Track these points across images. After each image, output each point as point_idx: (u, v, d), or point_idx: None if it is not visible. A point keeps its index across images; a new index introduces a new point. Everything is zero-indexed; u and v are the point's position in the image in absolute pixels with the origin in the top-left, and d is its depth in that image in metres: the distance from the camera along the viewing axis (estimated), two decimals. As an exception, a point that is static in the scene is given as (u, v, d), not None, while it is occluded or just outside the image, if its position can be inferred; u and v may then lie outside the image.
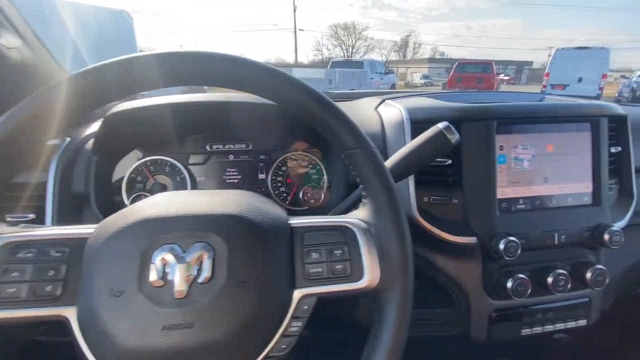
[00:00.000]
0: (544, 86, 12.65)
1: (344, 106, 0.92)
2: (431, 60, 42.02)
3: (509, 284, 0.66)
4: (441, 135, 0.52)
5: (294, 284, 0.41)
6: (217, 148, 0.80)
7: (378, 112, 0.79)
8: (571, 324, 0.74)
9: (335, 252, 0.42)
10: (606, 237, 0.68)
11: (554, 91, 12.34)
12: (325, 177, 0.82)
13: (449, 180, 0.70)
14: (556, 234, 0.68)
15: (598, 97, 12.03)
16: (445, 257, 0.72)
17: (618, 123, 0.78)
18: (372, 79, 12.57)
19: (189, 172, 0.79)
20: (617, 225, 0.73)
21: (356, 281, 0.41)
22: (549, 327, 0.73)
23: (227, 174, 0.81)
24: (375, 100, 0.86)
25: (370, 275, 0.41)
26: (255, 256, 0.38)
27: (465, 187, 0.69)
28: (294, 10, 32.08)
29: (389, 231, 0.42)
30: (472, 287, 0.70)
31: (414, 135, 0.68)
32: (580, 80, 11.89)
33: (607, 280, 0.69)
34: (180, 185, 0.78)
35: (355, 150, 0.44)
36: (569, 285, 0.68)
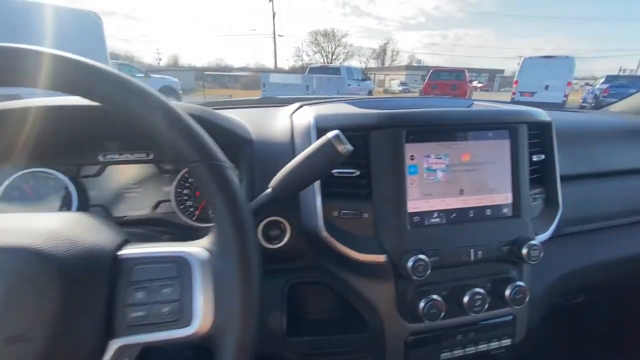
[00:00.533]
0: (513, 93, 13.15)
1: (266, 112, 0.86)
2: (408, 67, 43.02)
3: (421, 306, 0.60)
4: (330, 145, 0.46)
5: (110, 332, 0.33)
6: (111, 158, 0.71)
7: (291, 119, 0.72)
8: (494, 344, 0.69)
9: (164, 290, 0.34)
10: (524, 251, 0.63)
11: (523, 98, 12.86)
12: None
13: (359, 193, 0.64)
14: (472, 250, 0.63)
15: (563, 104, 12.62)
16: (358, 277, 0.66)
17: (542, 130, 0.75)
18: (349, 85, 12.67)
19: (79, 186, 0.69)
20: (540, 238, 0.70)
21: (184, 327, 0.34)
22: (470, 349, 0.68)
23: (125, 187, 0.72)
24: (295, 106, 0.79)
25: (201, 319, 0.34)
26: (42, 301, 0.30)
27: (375, 201, 0.63)
28: (273, 16, 32.13)
29: (231, 262, 0.35)
30: (386, 310, 0.64)
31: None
32: (546, 87, 12.43)
33: (527, 298, 0.65)
34: (68, 201, 0.68)
35: (197, 164, 0.36)
36: (486, 305, 0.63)
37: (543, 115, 0.73)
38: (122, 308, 0.33)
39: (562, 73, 12.34)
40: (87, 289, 0.32)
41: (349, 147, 0.46)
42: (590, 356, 1.48)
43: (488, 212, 0.67)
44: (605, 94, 12.81)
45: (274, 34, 33.08)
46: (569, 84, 12.40)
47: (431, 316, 0.60)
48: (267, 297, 0.65)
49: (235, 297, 0.34)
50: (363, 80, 13.99)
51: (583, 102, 16.18)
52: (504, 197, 0.67)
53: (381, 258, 0.61)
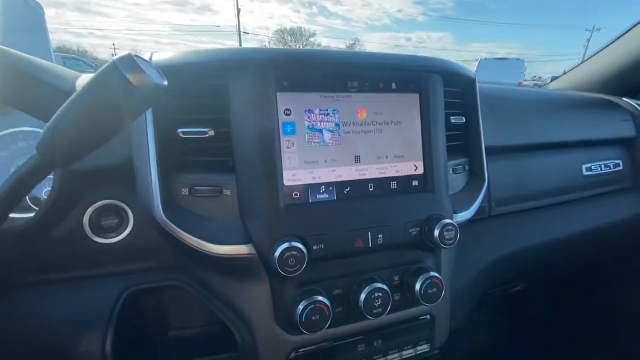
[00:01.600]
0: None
1: None
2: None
3: (298, 312, 0.44)
4: (116, 73, 0.28)
5: None
6: None
7: None
8: (409, 353, 0.55)
9: None
10: (436, 233, 0.49)
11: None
12: None
13: (217, 161, 0.47)
14: (369, 233, 0.48)
15: (515, 103, 13.39)
16: (223, 278, 0.49)
17: (465, 87, 0.62)
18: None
19: None
20: (462, 216, 0.57)
21: None
22: (377, 362, 0.53)
23: None
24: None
25: None
26: None
27: (239, 171, 0.46)
28: (238, 13, 31.28)
29: None
30: (260, 320, 0.48)
31: None
32: (500, 87, 13.12)
33: (442, 292, 0.51)
34: None
35: None
36: (389, 305, 0.48)
37: (463, 68, 0.60)
38: None
39: (514, 74, 13.11)
40: None
41: (151, 78, 0.29)
42: (533, 346, 1.42)
43: (392, 185, 0.52)
44: (552, 94, 13.79)
45: (239, 31, 32.14)
46: (520, 84, 13.17)
47: (312, 325, 0.44)
48: (86, 310, 0.46)
49: None
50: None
51: (533, 101, 17.33)
52: (413, 167, 0.53)
53: (244, 250, 0.44)
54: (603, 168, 0.93)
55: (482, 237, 0.70)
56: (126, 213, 0.49)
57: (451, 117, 0.59)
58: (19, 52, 0.47)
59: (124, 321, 0.47)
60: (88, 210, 0.48)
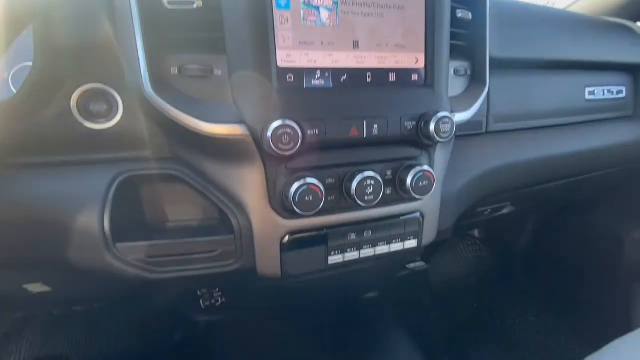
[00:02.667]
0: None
1: None
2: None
3: (292, 192, 0.45)
4: None
5: None
6: None
7: None
8: (397, 247, 0.58)
9: None
10: (432, 126, 0.49)
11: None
12: None
13: (208, 38, 0.44)
14: (365, 122, 0.47)
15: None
16: (216, 162, 0.49)
17: None
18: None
19: None
20: (460, 117, 0.56)
21: None
22: (367, 251, 0.56)
23: None
24: None
25: None
26: None
27: (230, 50, 0.44)
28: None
29: None
30: (254, 203, 0.49)
31: None
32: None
33: (434, 186, 0.52)
34: None
35: None
36: (381, 194, 0.49)
37: None
38: None
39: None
40: None
41: None
42: (519, 282, 1.52)
43: (391, 77, 0.50)
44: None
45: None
46: None
47: (305, 206, 0.45)
48: (80, 190, 0.46)
49: None
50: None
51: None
52: (414, 59, 0.51)
53: (237, 130, 0.44)
54: (606, 93, 0.91)
55: (477, 149, 0.70)
56: (115, 99, 0.48)
57: (457, 10, 0.55)
58: None
59: (121, 208, 0.48)
60: (74, 94, 0.46)
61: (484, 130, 0.72)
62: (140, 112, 0.48)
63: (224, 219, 0.51)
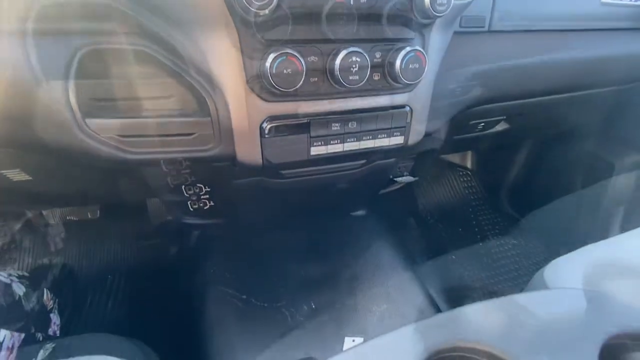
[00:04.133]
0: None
1: None
2: None
3: (268, 64, 0.41)
4: None
5: None
6: None
7: None
8: (383, 142, 0.56)
9: None
10: (426, 1, 0.44)
11: None
12: None
13: None
14: None
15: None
16: (185, 31, 0.44)
17: None
18: None
19: None
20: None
21: None
22: (351, 145, 0.54)
23: None
24: None
25: None
26: None
27: None
28: None
29: None
30: (229, 82, 0.45)
31: None
32: None
33: (425, 69, 0.48)
34: None
35: None
36: (367, 75, 0.46)
37: None
38: None
39: None
40: None
41: None
42: (504, 211, 1.56)
43: None
44: None
45: None
46: None
47: (283, 80, 0.42)
48: (42, 65, 0.42)
49: None
50: None
51: None
52: None
53: None
54: None
55: (476, 47, 0.65)
56: None
57: None
58: None
59: (89, 82, 0.44)
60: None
61: (486, 27, 0.66)
62: None
63: (200, 101, 0.48)
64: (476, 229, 1.51)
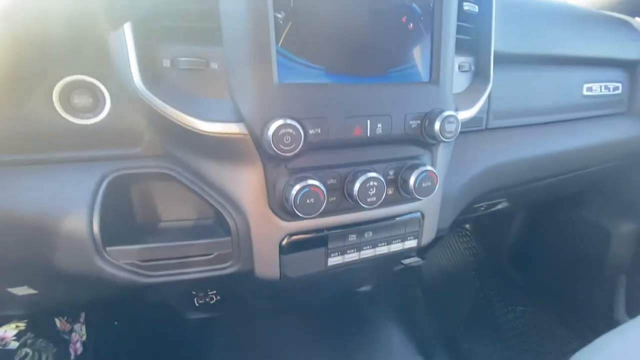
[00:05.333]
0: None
1: None
2: None
3: (293, 195, 0.43)
4: None
5: None
6: None
7: None
8: (397, 247, 0.57)
9: None
10: (437, 125, 0.47)
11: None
12: None
13: (202, 29, 0.41)
14: (369, 121, 0.45)
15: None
16: (211, 160, 0.46)
17: None
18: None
19: None
20: (463, 115, 0.54)
21: None
22: (367, 252, 0.55)
23: None
24: None
25: None
26: None
27: (227, 41, 0.41)
28: None
29: None
30: (252, 204, 0.47)
31: None
32: None
33: (437, 186, 0.51)
34: None
35: None
36: (383, 195, 0.48)
37: None
38: None
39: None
40: None
41: None
42: (506, 273, 1.55)
43: (395, 73, 0.48)
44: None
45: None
46: None
47: (306, 209, 0.43)
48: (66, 193, 0.43)
49: None
50: None
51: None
52: (418, 54, 0.49)
53: (235, 129, 0.41)
54: (603, 90, 0.91)
55: (477, 146, 0.69)
56: (101, 92, 0.44)
57: (464, 3, 0.53)
58: None
59: (111, 208, 0.45)
60: (56, 86, 0.43)
61: (483, 126, 0.71)
62: (130, 107, 0.44)
63: (220, 219, 0.49)
64: (481, 294, 1.48)
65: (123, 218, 0.48)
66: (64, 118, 0.43)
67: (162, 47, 0.40)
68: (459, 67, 0.57)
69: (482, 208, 0.91)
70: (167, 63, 0.41)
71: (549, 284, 1.42)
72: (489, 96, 0.71)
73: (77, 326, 0.93)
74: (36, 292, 0.56)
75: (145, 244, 0.46)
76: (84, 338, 0.93)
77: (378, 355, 0.88)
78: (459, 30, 0.53)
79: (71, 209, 0.43)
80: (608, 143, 0.94)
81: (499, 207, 0.97)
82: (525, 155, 0.76)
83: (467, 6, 0.54)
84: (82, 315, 0.93)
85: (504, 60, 0.70)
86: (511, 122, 0.76)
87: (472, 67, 0.59)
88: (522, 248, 1.52)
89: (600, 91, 0.91)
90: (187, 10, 0.40)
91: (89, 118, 0.44)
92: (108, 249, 0.44)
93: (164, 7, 0.39)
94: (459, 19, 0.52)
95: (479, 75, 0.60)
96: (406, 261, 0.88)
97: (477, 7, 0.55)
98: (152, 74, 0.40)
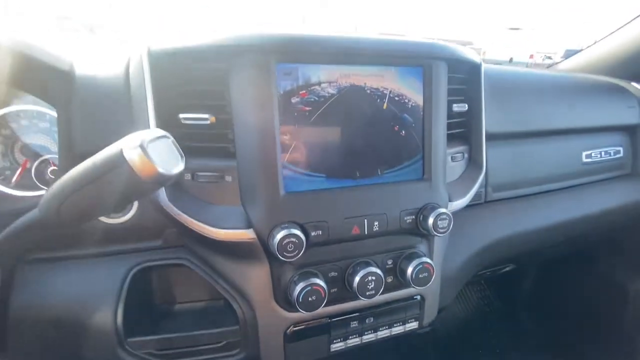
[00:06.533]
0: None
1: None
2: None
3: (296, 294, 0.47)
4: (124, 164, 0.30)
5: None
6: None
7: (130, 50, 0.52)
8: (398, 330, 0.59)
9: None
10: (430, 221, 0.51)
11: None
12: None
13: (219, 147, 0.47)
14: (365, 221, 0.50)
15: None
16: (225, 258, 0.51)
17: (470, 73, 0.61)
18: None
19: None
20: (456, 205, 0.58)
21: None
22: (369, 337, 0.57)
23: None
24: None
25: None
26: None
27: (240, 158, 0.47)
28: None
29: None
30: (258, 297, 0.51)
31: (158, 80, 0.44)
32: (510, 60, 12.69)
33: (433, 277, 0.54)
34: None
35: None
36: (382, 288, 0.51)
37: (469, 53, 0.59)
38: None
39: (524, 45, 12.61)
40: None
41: (159, 168, 0.30)
42: (522, 325, 1.50)
43: (391, 173, 0.53)
44: (562, 68, 13.38)
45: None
46: (531, 56, 12.71)
47: (308, 305, 0.47)
48: (96, 287, 0.49)
49: None
50: None
51: (543, 75, 16.80)
52: (412, 155, 0.54)
53: (245, 234, 0.46)
54: (603, 155, 0.93)
55: (476, 221, 0.72)
56: None
57: (454, 105, 0.58)
58: (11, 31, 0.46)
59: (132, 296, 0.50)
60: None
61: (483, 200, 0.74)
62: (153, 209, 0.51)
63: (231, 311, 0.53)
64: (493, 342, 1.43)
65: (142, 305, 0.53)
66: (98, 219, 0.50)
67: (187, 164, 0.47)
68: (452, 158, 0.61)
69: (487, 274, 0.91)
70: (188, 177, 0.47)
71: (565, 339, 1.36)
72: (487, 170, 0.74)
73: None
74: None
75: (161, 333, 0.51)
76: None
77: None
78: (451, 126, 0.58)
79: (99, 302, 0.49)
80: (615, 207, 0.93)
81: (505, 270, 0.97)
82: (527, 227, 0.78)
83: (457, 107, 0.59)
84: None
85: (499, 137, 0.74)
86: (510, 194, 0.78)
87: (466, 155, 0.64)
88: (535, 299, 1.47)
89: (601, 157, 0.92)
90: (207, 135, 0.46)
91: (118, 217, 0.50)
92: (129, 340, 0.49)
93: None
94: (449, 117, 0.57)
95: (472, 163, 0.64)
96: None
97: (466, 105, 0.60)
98: (174, 187, 0.46)
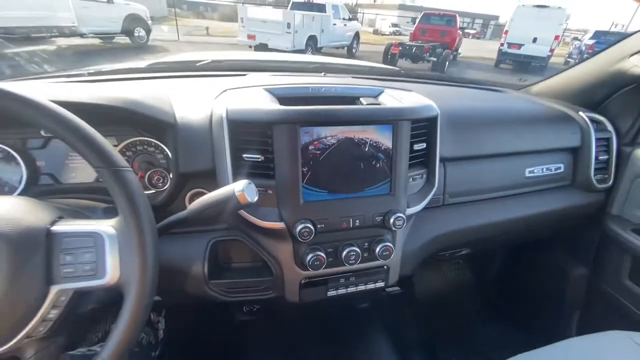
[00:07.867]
0: (502, 44, 12.85)
1: (193, 90, 0.96)
2: (401, 7, 40.19)
3: (308, 259, 0.81)
4: (235, 198, 0.60)
5: (50, 280, 0.50)
6: None
7: (212, 106, 0.84)
8: (371, 285, 0.93)
9: (86, 255, 0.51)
10: (391, 221, 0.83)
11: (510, 50, 12.62)
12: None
13: (265, 174, 0.80)
14: (351, 219, 0.82)
15: (548, 59, 12.49)
16: (265, 238, 0.85)
17: (429, 121, 0.90)
18: (334, 24, 11.95)
19: (27, 157, 0.80)
20: (412, 210, 0.90)
21: (100, 279, 0.51)
22: (351, 289, 0.92)
23: (70, 158, 0.84)
24: (219, 90, 0.91)
25: (110, 274, 0.51)
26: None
27: (277, 180, 0.79)
28: None
29: (130, 239, 0.52)
30: (285, 262, 0.85)
31: (232, 134, 0.75)
32: (534, 40, 12.20)
33: (392, 254, 0.87)
34: (14, 170, 0.79)
35: (101, 169, 0.51)
36: (359, 259, 0.85)
37: (429, 110, 0.88)
38: (57, 266, 0.50)
39: (552, 25, 12.01)
40: (28, 254, 0.48)
41: (252, 200, 0.60)
42: (490, 298, 1.84)
43: (369, 191, 0.85)
44: (590, 51, 12.75)
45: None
46: (556, 38, 12.18)
47: (314, 266, 0.81)
48: (192, 251, 0.84)
49: (135, 261, 0.52)
50: (350, 19, 13.15)
51: (568, 57, 16.02)
52: (385, 178, 0.85)
53: (279, 225, 0.79)
54: (544, 171, 1.20)
55: (434, 219, 1.03)
56: None
57: (415, 145, 0.88)
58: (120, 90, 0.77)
59: (211, 257, 0.84)
60: (188, 194, 0.83)
61: (441, 204, 1.05)
62: None
63: (266, 266, 0.88)
64: (465, 313, 1.79)
65: (216, 262, 0.88)
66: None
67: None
68: (412, 179, 0.92)
69: (446, 255, 1.24)
70: None
71: (523, 312, 1.70)
72: (445, 183, 1.05)
73: (160, 318, 1.37)
74: (160, 299, 0.97)
75: (228, 279, 0.86)
76: (164, 326, 1.36)
77: (365, 356, 1.24)
78: (414, 157, 0.88)
79: (194, 259, 0.83)
80: (557, 210, 1.20)
81: (462, 252, 1.30)
82: (474, 223, 1.08)
83: (417, 146, 0.89)
84: (164, 311, 1.36)
85: (456, 160, 1.04)
86: (464, 199, 1.09)
87: (424, 176, 0.94)
88: (501, 277, 1.81)
89: (542, 172, 1.20)
90: (258, 166, 0.79)
91: None
92: (210, 282, 0.84)
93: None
94: (412, 152, 0.88)
95: (428, 182, 0.94)
96: (389, 289, 1.24)
97: (424, 144, 0.90)
98: None
